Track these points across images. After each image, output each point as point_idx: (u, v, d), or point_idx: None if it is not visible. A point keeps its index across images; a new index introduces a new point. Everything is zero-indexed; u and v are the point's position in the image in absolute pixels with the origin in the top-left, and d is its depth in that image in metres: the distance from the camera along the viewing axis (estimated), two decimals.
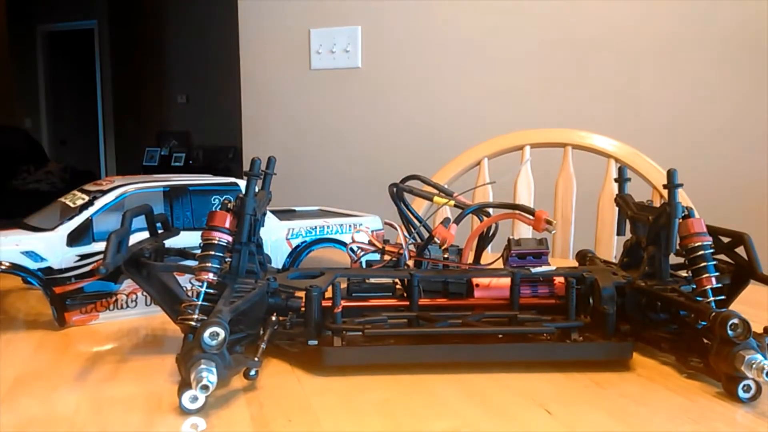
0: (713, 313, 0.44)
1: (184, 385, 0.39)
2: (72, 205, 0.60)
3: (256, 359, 0.44)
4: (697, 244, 0.48)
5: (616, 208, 0.62)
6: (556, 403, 0.42)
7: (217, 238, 0.47)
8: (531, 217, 0.53)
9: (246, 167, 0.49)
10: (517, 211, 0.55)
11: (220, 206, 0.49)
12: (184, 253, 0.56)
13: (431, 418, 0.40)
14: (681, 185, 0.50)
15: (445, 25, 1.77)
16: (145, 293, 0.60)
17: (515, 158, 1.24)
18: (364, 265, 0.56)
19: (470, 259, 0.58)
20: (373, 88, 1.85)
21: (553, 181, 1.19)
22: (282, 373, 0.47)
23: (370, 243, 0.57)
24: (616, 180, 0.63)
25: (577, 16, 1.66)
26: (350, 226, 0.73)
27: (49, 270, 0.56)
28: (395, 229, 0.59)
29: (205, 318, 0.42)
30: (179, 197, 0.63)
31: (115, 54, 7.18)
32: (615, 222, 0.89)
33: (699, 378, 0.46)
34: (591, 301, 0.52)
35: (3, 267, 0.55)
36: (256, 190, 0.49)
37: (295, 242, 0.70)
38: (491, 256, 0.59)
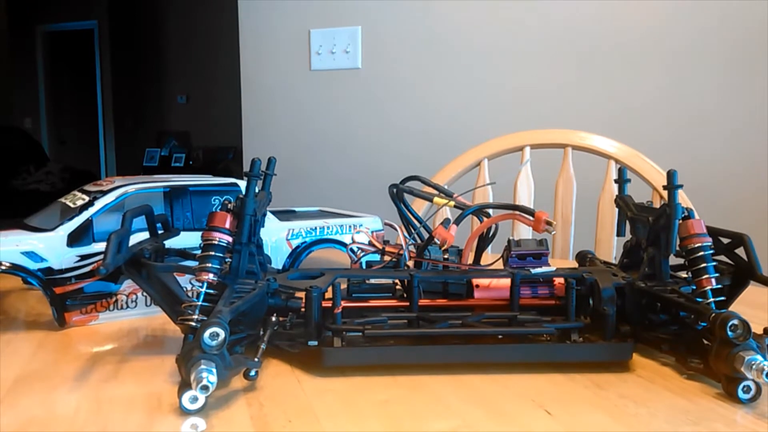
0: (713, 314, 0.44)
1: (184, 385, 0.39)
2: (72, 205, 0.60)
3: (256, 360, 0.44)
4: (697, 245, 0.48)
5: (616, 209, 0.62)
6: (556, 404, 0.42)
7: (217, 239, 0.47)
8: (531, 217, 0.53)
9: (246, 168, 0.49)
10: (517, 212, 0.55)
11: (220, 207, 0.49)
12: (184, 253, 0.56)
13: (431, 418, 0.40)
14: (681, 186, 0.50)
15: (446, 26, 1.77)
16: (145, 294, 0.60)
17: (515, 159, 1.24)
18: (364, 266, 0.56)
19: (470, 260, 0.58)
20: (373, 89, 1.85)
21: (553, 182, 1.20)
22: (282, 374, 0.47)
23: (370, 244, 0.57)
24: (616, 181, 0.63)
25: (578, 17, 1.66)
26: (350, 226, 0.73)
27: (49, 270, 0.56)
28: (395, 229, 0.59)
29: (205, 318, 0.42)
30: (179, 198, 0.63)
31: (115, 54, 7.18)
32: (615, 223, 0.89)
33: (699, 379, 0.46)
34: (591, 302, 0.52)
35: (3, 267, 0.55)
36: (257, 190, 0.49)
37: (295, 243, 0.70)
38: (491, 256, 0.59)
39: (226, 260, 0.49)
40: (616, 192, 0.63)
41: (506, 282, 0.52)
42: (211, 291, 0.46)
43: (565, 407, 0.41)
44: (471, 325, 0.49)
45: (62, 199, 0.63)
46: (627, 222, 0.59)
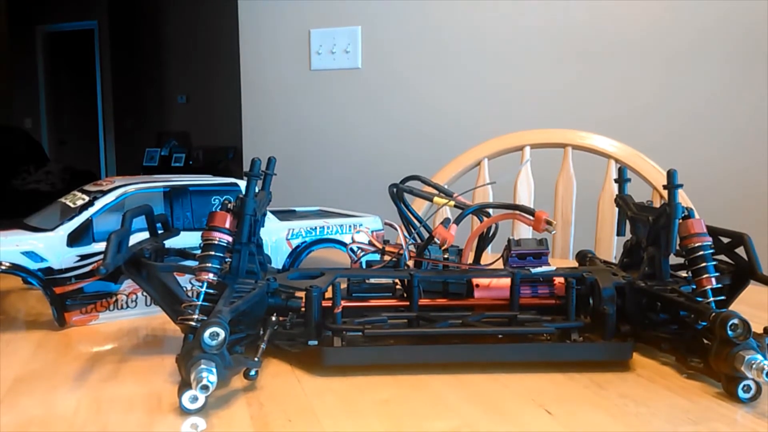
0: (713, 314, 0.44)
1: (184, 385, 0.39)
2: (72, 205, 0.60)
3: (256, 359, 0.44)
4: (697, 245, 0.48)
5: (616, 209, 0.62)
6: (556, 403, 0.42)
7: (217, 239, 0.47)
8: (531, 217, 0.53)
9: (246, 167, 0.49)
10: (517, 212, 0.55)
11: (220, 206, 0.49)
12: (184, 253, 0.56)
13: (431, 418, 0.40)
14: (681, 186, 0.50)
15: (445, 26, 1.77)
16: (145, 293, 0.60)
17: (515, 159, 1.24)
18: (364, 266, 0.56)
19: (470, 260, 0.58)
20: (373, 89, 1.85)
21: (553, 182, 1.20)
22: (282, 374, 0.47)
23: (370, 243, 0.57)
24: (616, 180, 0.63)
25: (578, 17, 1.66)
26: (350, 226, 0.73)
27: (49, 270, 0.56)
28: (395, 229, 0.59)
29: (205, 318, 0.42)
30: (179, 197, 0.63)
31: (115, 54, 7.18)
32: (615, 222, 0.89)
33: (699, 378, 0.46)
34: (591, 301, 0.52)
35: (3, 267, 0.55)
36: (256, 190, 0.49)
37: (295, 242, 0.70)
38: (491, 256, 0.59)
39: (226, 260, 0.49)
40: (616, 191, 0.63)
41: (506, 281, 0.52)
42: (211, 291, 0.46)
43: (566, 407, 0.41)
44: (471, 324, 0.49)
45: (62, 199, 0.63)
46: (627, 221, 0.59)
